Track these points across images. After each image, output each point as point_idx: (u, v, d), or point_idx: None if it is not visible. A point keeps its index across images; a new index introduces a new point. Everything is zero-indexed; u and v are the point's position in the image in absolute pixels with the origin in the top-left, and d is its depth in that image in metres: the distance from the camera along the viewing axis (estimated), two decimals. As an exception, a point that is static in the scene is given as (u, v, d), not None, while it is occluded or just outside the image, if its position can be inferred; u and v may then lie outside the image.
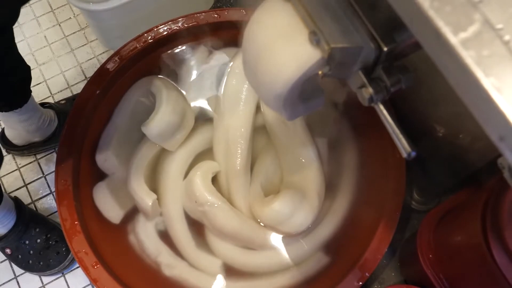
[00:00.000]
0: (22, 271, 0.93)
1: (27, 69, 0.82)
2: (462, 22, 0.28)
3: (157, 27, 0.90)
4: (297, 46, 0.45)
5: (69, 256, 0.91)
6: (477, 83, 0.27)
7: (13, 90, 0.82)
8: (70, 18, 1.19)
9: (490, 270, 0.56)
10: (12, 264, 0.94)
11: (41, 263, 0.91)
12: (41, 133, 0.97)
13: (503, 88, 0.27)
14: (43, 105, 0.99)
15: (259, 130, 0.86)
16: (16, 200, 0.91)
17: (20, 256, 0.91)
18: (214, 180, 0.84)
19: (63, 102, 1.04)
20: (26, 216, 0.90)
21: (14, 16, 0.67)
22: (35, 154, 1.04)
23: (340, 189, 0.84)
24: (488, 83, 0.27)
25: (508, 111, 0.26)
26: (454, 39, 0.28)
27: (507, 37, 0.28)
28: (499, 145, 0.28)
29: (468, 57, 0.27)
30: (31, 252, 0.91)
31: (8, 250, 0.91)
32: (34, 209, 0.99)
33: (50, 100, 1.09)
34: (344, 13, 0.44)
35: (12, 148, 1.00)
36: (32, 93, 0.88)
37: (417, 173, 0.85)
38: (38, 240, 0.91)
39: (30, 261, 0.91)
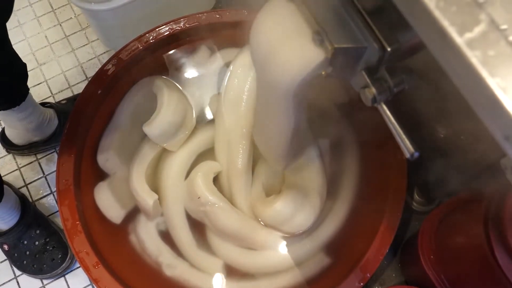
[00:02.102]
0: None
1: (23, 65, 0.81)
2: (467, 23, 0.28)
3: (158, 27, 0.90)
4: (301, 47, 0.45)
5: (63, 264, 0.91)
6: (483, 83, 0.27)
7: (9, 87, 0.81)
8: (71, 18, 1.19)
9: (492, 271, 0.56)
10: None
11: (35, 266, 0.90)
12: (41, 133, 0.97)
13: (509, 88, 0.27)
14: (44, 104, 0.98)
15: (260, 131, 0.86)
16: (22, 198, 0.91)
17: (16, 255, 0.91)
18: (216, 180, 0.84)
19: (64, 102, 1.04)
20: (29, 216, 0.90)
21: (6, 14, 0.67)
22: (35, 154, 1.03)
23: (342, 190, 0.84)
24: (493, 83, 0.27)
25: (513, 111, 0.26)
26: (459, 39, 0.28)
27: (512, 38, 0.28)
28: (504, 145, 0.29)
29: (474, 57, 0.27)
30: (27, 253, 0.90)
31: (5, 246, 0.91)
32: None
33: (51, 100, 1.09)
34: (348, 13, 0.44)
35: (13, 147, 1.00)
36: (33, 93, 0.87)
37: (418, 174, 0.85)
38: (36, 243, 0.90)
39: (25, 262, 0.91)
